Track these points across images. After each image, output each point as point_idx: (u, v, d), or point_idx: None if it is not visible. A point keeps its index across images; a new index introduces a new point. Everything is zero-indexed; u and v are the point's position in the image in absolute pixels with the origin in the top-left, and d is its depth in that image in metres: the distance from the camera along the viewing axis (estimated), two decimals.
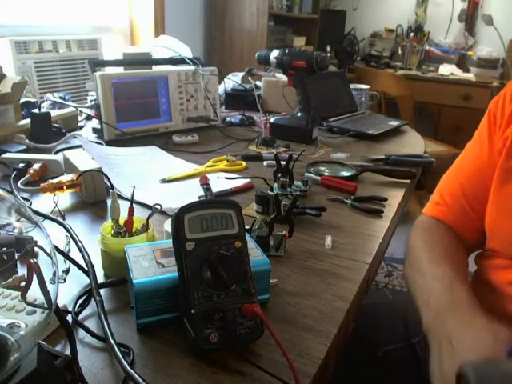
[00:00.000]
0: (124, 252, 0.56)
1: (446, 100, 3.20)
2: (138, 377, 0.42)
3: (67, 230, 0.68)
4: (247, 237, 0.53)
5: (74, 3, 2.01)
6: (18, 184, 0.86)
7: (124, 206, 0.66)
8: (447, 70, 3.32)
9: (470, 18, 3.53)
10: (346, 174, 1.02)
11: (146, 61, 1.48)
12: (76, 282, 0.59)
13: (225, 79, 1.65)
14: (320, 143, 1.28)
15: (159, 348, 0.49)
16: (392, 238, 0.89)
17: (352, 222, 0.81)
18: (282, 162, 0.88)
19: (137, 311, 0.51)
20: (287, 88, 1.36)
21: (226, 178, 0.97)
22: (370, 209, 0.86)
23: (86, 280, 0.58)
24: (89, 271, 0.57)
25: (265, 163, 1.09)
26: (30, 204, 0.81)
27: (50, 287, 0.38)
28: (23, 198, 0.83)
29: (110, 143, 1.16)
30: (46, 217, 0.73)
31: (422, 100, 3.14)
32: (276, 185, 0.87)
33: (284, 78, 1.39)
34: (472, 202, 0.74)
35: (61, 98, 1.39)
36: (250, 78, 1.54)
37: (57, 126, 1.23)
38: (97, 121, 1.21)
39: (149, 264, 0.53)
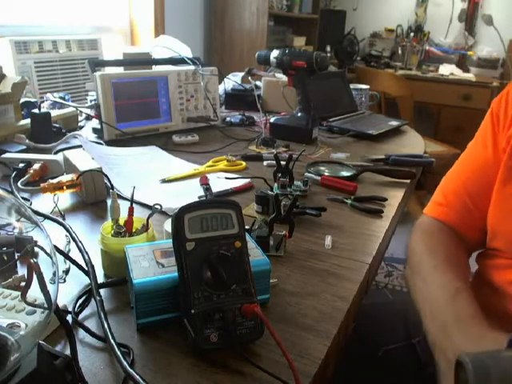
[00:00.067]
0: (124, 252, 0.56)
1: (446, 100, 3.20)
2: (137, 377, 0.42)
3: (67, 230, 0.68)
4: (247, 237, 0.53)
5: (73, 3, 2.00)
6: (18, 184, 0.86)
7: (124, 206, 0.66)
8: (447, 69, 3.32)
9: (470, 17, 3.53)
10: (345, 173, 1.02)
11: (146, 61, 1.48)
12: (76, 282, 0.59)
13: (225, 79, 1.65)
14: (320, 143, 1.28)
15: (159, 348, 0.49)
16: (392, 237, 0.89)
17: (352, 222, 0.81)
18: (282, 162, 0.88)
19: (137, 311, 0.51)
20: (287, 88, 1.36)
21: (226, 178, 0.97)
22: (369, 209, 0.86)
23: (86, 280, 0.58)
24: (89, 271, 0.57)
25: (265, 163, 1.09)
26: (30, 204, 0.81)
27: (50, 287, 0.38)
28: (23, 198, 0.83)
29: (109, 143, 1.16)
30: (45, 217, 0.73)
31: (422, 100, 3.14)
32: (276, 185, 0.87)
33: (284, 78, 1.39)
34: (475, 200, 0.74)
35: (61, 97, 1.39)
36: (249, 78, 1.54)
37: (57, 126, 1.23)
38: (97, 121, 1.21)
39: (149, 264, 0.53)
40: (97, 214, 0.81)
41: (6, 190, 0.83)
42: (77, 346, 0.44)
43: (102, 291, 0.55)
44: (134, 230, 0.65)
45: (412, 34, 3.61)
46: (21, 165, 0.93)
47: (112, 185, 0.82)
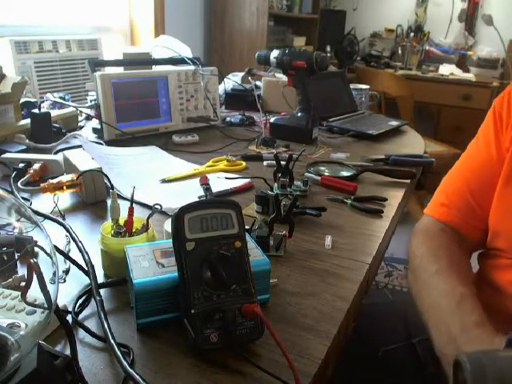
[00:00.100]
0: (124, 252, 0.56)
1: (446, 100, 3.20)
2: (137, 377, 0.42)
3: (67, 230, 0.68)
4: (247, 237, 0.53)
5: (73, 3, 2.01)
6: (18, 184, 0.86)
7: (124, 206, 0.66)
8: (447, 69, 3.32)
9: (470, 17, 3.53)
10: (345, 173, 1.02)
11: (146, 61, 1.48)
12: (76, 282, 0.59)
13: (225, 79, 1.65)
14: (320, 143, 1.28)
15: (159, 348, 0.49)
16: (392, 237, 0.89)
17: (352, 222, 0.81)
18: (282, 162, 0.88)
19: (137, 311, 0.51)
20: (287, 88, 1.36)
21: (226, 178, 0.97)
22: (370, 209, 0.86)
23: (86, 280, 0.58)
24: (89, 271, 0.57)
25: (265, 163, 1.09)
26: (30, 204, 0.81)
27: (50, 287, 0.38)
28: (23, 198, 0.83)
29: (109, 143, 1.16)
30: (45, 217, 0.73)
31: (422, 100, 3.14)
32: (276, 185, 0.87)
33: (284, 78, 1.39)
34: (478, 198, 0.73)
35: (61, 97, 1.39)
36: (249, 78, 1.54)
37: (57, 126, 1.23)
38: (97, 121, 1.21)
39: (149, 264, 0.53)
40: (97, 214, 0.81)
41: (6, 190, 0.83)
42: (77, 345, 0.44)
43: (102, 291, 0.55)
44: (134, 230, 0.65)
45: (412, 34, 3.61)
46: (21, 165, 0.93)
47: (112, 185, 0.82)
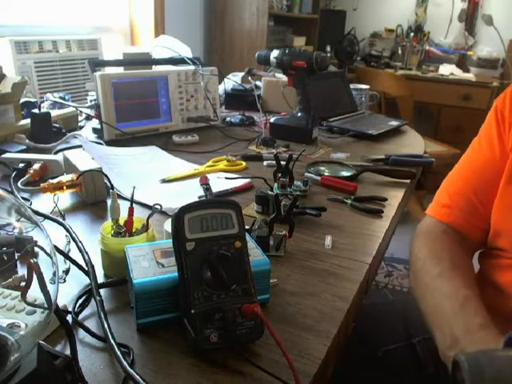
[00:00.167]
0: (124, 252, 0.56)
1: (446, 100, 3.20)
2: (137, 377, 0.42)
3: (67, 230, 0.68)
4: (247, 237, 0.53)
5: (73, 3, 2.01)
6: (18, 184, 0.86)
7: (124, 206, 0.66)
8: (447, 69, 3.32)
9: (470, 17, 3.53)
10: (345, 173, 1.02)
11: (146, 61, 1.48)
12: (76, 282, 0.59)
13: (225, 79, 1.65)
14: (320, 143, 1.28)
15: (159, 348, 0.49)
16: (392, 237, 0.89)
17: (352, 222, 0.81)
18: (282, 162, 0.88)
19: (137, 311, 0.51)
20: (287, 88, 1.36)
21: (226, 178, 0.97)
22: (370, 209, 0.86)
23: (86, 280, 0.58)
24: (89, 271, 0.57)
25: (265, 163, 1.09)
26: (30, 204, 0.81)
27: (50, 287, 0.38)
28: (23, 198, 0.83)
29: (109, 143, 1.16)
30: (45, 217, 0.73)
31: (422, 100, 3.14)
32: (276, 185, 0.87)
33: (284, 78, 1.39)
34: (481, 197, 0.73)
35: (61, 97, 1.39)
36: (249, 78, 1.54)
37: (57, 126, 1.23)
38: (97, 121, 1.21)
39: (149, 264, 0.53)
40: (97, 214, 0.81)
41: (6, 190, 0.83)
42: (77, 345, 0.44)
43: (102, 291, 0.55)
44: (134, 230, 0.65)
45: (412, 34, 3.61)
46: (21, 165, 0.93)
47: (112, 185, 0.82)
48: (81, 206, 0.84)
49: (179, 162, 1.08)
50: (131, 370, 0.42)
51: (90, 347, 0.49)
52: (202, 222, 0.50)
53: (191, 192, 0.87)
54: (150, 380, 0.44)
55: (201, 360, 0.47)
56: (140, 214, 0.68)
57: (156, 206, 0.65)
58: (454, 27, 3.60)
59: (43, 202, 0.81)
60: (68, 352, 0.42)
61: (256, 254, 0.57)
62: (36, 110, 1.17)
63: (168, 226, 0.65)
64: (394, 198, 0.93)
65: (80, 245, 0.63)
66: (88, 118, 1.40)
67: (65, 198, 0.85)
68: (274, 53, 1.30)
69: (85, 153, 0.93)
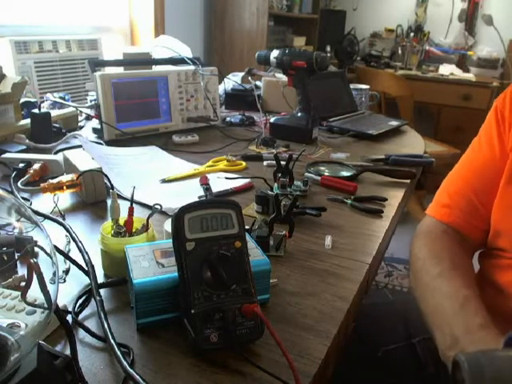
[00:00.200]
0: (124, 252, 0.56)
1: (446, 100, 3.20)
2: (137, 377, 0.42)
3: (67, 230, 0.68)
4: (247, 237, 0.53)
5: (73, 3, 2.01)
6: (18, 184, 0.86)
7: (124, 206, 0.66)
8: (447, 69, 3.32)
9: (470, 17, 3.53)
10: (345, 173, 1.02)
11: (146, 61, 1.48)
12: (76, 282, 0.59)
13: (225, 79, 1.65)
14: (320, 143, 1.28)
15: (159, 348, 0.49)
16: (392, 237, 0.89)
17: (352, 222, 0.81)
18: (282, 162, 0.88)
19: (137, 311, 0.51)
20: (287, 88, 1.36)
21: (226, 178, 0.97)
22: (370, 209, 0.86)
23: (86, 280, 0.58)
24: (89, 271, 0.57)
25: (265, 163, 1.09)
26: (30, 204, 0.81)
27: (50, 287, 0.38)
28: (23, 198, 0.83)
29: (109, 143, 1.16)
30: (46, 217, 0.73)
31: (422, 100, 3.14)
32: (276, 185, 0.87)
33: (284, 78, 1.39)
34: (481, 197, 0.73)
35: (61, 97, 1.39)
36: (249, 78, 1.54)
37: (57, 126, 1.23)
38: (97, 121, 1.21)
39: (149, 264, 0.53)
40: (97, 214, 0.81)
41: (6, 190, 0.83)
42: (77, 345, 0.44)
43: (102, 291, 0.55)
44: (134, 230, 0.65)
45: (412, 34, 3.61)
46: (21, 165, 0.93)
47: (112, 185, 0.82)
48: (81, 206, 0.84)
49: (179, 161, 1.08)
50: (131, 370, 0.42)
51: (90, 347, 0.49)
52: (201, 221, 0.50)
53: (191, 192, 0.87)
54: (150, 380, 0.44)
55: (201, 360, 0.47)
56: (140, 214, 0.68)
57: (156, 206, 0.65)
58: (454, 27, 3.60)
59: (43, 202, 0.81)
60: (68, 352, 0.42)
61: (256, 254, 0.57)
62: (36, 110, 1.17)
63: (168, 226, 0.65)
64: (394, 197, 0.93)
65: (80, 245, 0.63)
66: (88, 118, 1.40)
67: (65, 198, 0.85)
68: (274, 53, 1.30)
69: (85, 153, 0.93)
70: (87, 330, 0.50)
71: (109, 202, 0.82)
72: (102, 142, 1.17)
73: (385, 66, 3.53)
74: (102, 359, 0.47)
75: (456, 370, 0.40)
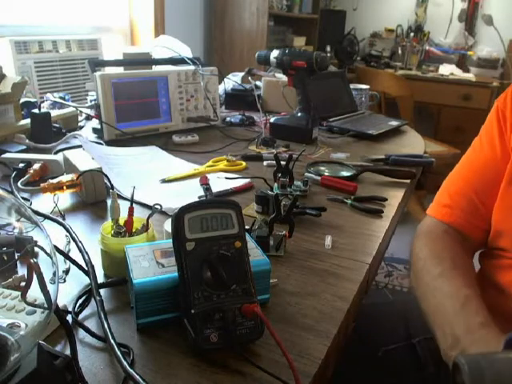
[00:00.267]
0: (124, 252, 0.56)
1: (446, 100, 3.20)
2: (137, 377, 0.42)
3: (67, 230, 0.68)
4: (247, 237, 0.53)
5: (74, 3, 2.01)
6: (18, 184, 0.86)
7: (124, 206, 0.66)
8: (447, 69, 3.32)
9: (470, 17, 3.53)
10: (345, 173, 1.02)
11: (146, 61, 1.48)
12: (76, 282, 0.59)
13: (225, 79, 1.65)
14: (320, 143, 1.28)
15: (159, 348, 0.49)
16: (392, 237, 0.89)
17: (352, 222, 0.81)
18: (282, 162, 0.88)
19: (137, 311, 0.51)
20: (287, 88, 1.36)
21: (226, 178, 0.97)
22: (370, 209, 0.86)
23: (86, 280, 0.58)
24: (89, 271, 0.57)
25: (265, 163, 1.09)
26: (30, 204, 0.81)
27: (50, 287, 0.38)
28: (23, 198, 0.83)
29: (109, 143, 1.16)
30: (46, 217, 0.73)
31: (422, 100, 3.14)
32: (276, 185, 0.87)
33: (284, 78, 1.39)
34: (482, 197, 0.73)
35: (61, 97, 1.39)
36: (249, 78, 1.54)
37: (57, 126, 1.23)
38: (97, 121, 1.21)
39: (149, 264, 0.53)
40: (97, 214, 0.81)
41: (6, 190, 0.83)
42: (77, 345, 0.44)
43: (102, 291, 0.55)
44: (134, 230, 0.65)
45: (412, 34, 3.61)
46: (21, 165, 0.93)
47: (112, 185, 0.82)
48: (81, 206, 0.84)
49: (179, 162, 1.08)
50: (131, 370, 0.42)
51: (90, 347, 0.49)
52: (201, 221, 0.50)
53: (191, 192, 0.87)
54: (150, 380, 0.44)
55: (201, 360, 0.47)
56: (140, 214, 0.68)
57: (156, 206, 0.65)
58: (454, 27, 3.60)
59: (43, 202, 0.81)
60: (68, 352, 0.42)
61: (256, 254, 0.57)
62: (36, 110, 1.17)
63: (168, 226, 0.65)
64: (394, 197, 0.93)
65: (80, 245, 0.63)
66: (88, 118, 1.40)
67: (65, 198, 0.85)
68: (274, 53, 1.30)
69: (85, 153, 0.93)
70: (87, 330, 0.50)
71: (109, 201, 0.82)
72: (102, 142, 1.17)
73: (385, 66, 3.53)
74: (102, 359, 0.47)
75: (456, 373, 0.40)
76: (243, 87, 1.65)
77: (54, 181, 0.82)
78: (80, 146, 1.06)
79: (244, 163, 1.07)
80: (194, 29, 2.80)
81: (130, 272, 0.52)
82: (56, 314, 0.42)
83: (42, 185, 0.82)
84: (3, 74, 1.18)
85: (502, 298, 0.67)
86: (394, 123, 1.47)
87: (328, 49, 3.39)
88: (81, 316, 0.53)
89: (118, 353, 0.44)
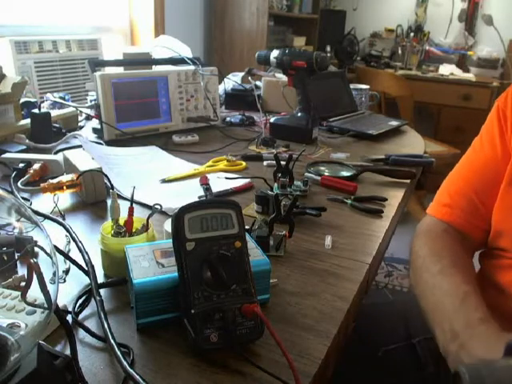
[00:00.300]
0: (124, 252, 0.56)
1: (446, 100, 3.20)
2: (137, 377, 0.42)
3: (67, 230, 0.68)
4: (247, 237, 0.53)
5: (73, 3, 2.01)
6: (18, 184, 0.86)
7: (124, 206, 0.66)
8: (447, 69, 3.32)
9: (470, 17, 3.53)
10: (346, 174, 1.02)
11: (146, 61, 1.48)
12: (76, 282, 0.59)
13: (225, 79, 1.65)
14: (320, 143, 1.28)
15: (159, 348, 0.49)
16: (392, 237, 0.89)
17: (352, 222, 0.81)
18: (282, 162, 0.88)
19: (137, 311, 0.51)
20: (287, 88, 1.36)
21: (226, 178, 0.97)
22: (370, 209, 0.86)
23: (86, 280, 0.58)
24: (89, 271, 0.57)
25: (265, 163, 1.09)
26: (30, 204, 0.81)
27: (50, 287, 0.38)
28: (23, 198, 0.83)
29: (109, 143, 1.16)
30: (46, 217, 0.73)
31: (422, 100, 3.14)
32: (276, 185, 0.87)
33: (284, 78, 1.39)
34: (482, 196, 0.73)
35: (61, 97, 1.39)
36: (249, 78, 1.54)
37: (57, 126, 1.23)
38: (97, 121, 1.21)
39: (149, 264, 0.53)
40: (97, 214, 0.81)
41: (6, 190, 0.83)
42: (77, 345, 0.44)
43: (102, 291, 0.55)
44: (134, 230, 0.65)
45: (412, 34, 3.61)
46: (21, 165, 0.93)
47: (112, 185, 0.82)
48: (81, 206, 0.84)
49: (179, 161, 1.08)
50: (131, 370, 0.42)
51: (90, 347, 0.49)
52: (201, 221, 0.50)
53: (191, 192, 0.87)
54: (150, 380, 0.44)
55: (201, 360, 0.47)
56: (140, 214, 0.68)
57: (156, 206, 0.65)
58: (454, 27, 3.60)
59: (43, 202, 0.81)
60: (68, 352, 0.42)
61: (256, 254, 0.57)
62: (36, 110, 1.17)
63: (168, 226, 0.65)
64: (394, 197, 0.93)
65: (80, 245, 0.63)
66: (88, 118, 1.40)
67: (65, 198, 0.85)
68: (274, 53, 1.30)
69: (85, 153, 0.93)
70: (87, 330, 0.50)
71: (109, 201, 0.82)
72: (102, 142, 1.17)
73: (385, 66, 3.53)
74: (102, 359, 0.47)
75: (457, 382, 0.40)
76: (243, 87, 1.65)
77: (54, 181, 0.82)
78: (80, 146, 1.06)
79: (244, 163, 1.07)
80: (193, 29, 2.80)
81: (130, 272, 0.52)
82: (56, 314, 0.42)
83: (42, 185, 0.82)
84: (3, 74, 1.18)
85: (502, 298, 0.67)
86: (394, 123, 1.47)
87: (328, 49, 3.39)
88: (81, 316, 0.53)
89: (118, 353, 0.44)
